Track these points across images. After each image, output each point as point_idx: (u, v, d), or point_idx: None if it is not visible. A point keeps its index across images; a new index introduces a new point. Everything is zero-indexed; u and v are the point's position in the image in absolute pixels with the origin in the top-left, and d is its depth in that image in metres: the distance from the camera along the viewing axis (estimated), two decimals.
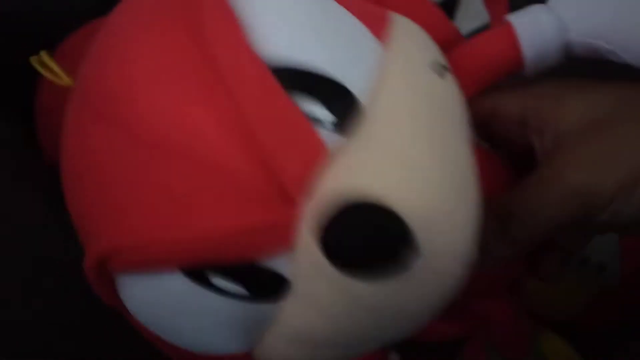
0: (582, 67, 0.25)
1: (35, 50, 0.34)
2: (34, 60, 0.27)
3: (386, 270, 0.17)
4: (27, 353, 0.27)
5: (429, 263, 0.17)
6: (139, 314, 0.21)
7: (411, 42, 0.21)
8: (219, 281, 0.18)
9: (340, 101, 0.18)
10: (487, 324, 0.28)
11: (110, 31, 0.20)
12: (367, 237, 0.16)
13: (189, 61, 0.18)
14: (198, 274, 0.18)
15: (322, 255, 0.17)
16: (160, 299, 0.19)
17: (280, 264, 0.18)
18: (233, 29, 0.18)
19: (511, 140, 0.26)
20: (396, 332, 0.20)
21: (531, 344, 0.30)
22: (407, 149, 0.18)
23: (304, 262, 0.17)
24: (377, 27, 0.21)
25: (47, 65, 0.26)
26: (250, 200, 0.17)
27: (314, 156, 0.17)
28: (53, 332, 0.28)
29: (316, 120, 0.18)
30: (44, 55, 0.26)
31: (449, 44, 0.25)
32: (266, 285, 0.18)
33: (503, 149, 0.27)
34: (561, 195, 0.22)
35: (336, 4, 0.21)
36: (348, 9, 0.21)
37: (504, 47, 0.24)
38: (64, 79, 0.25)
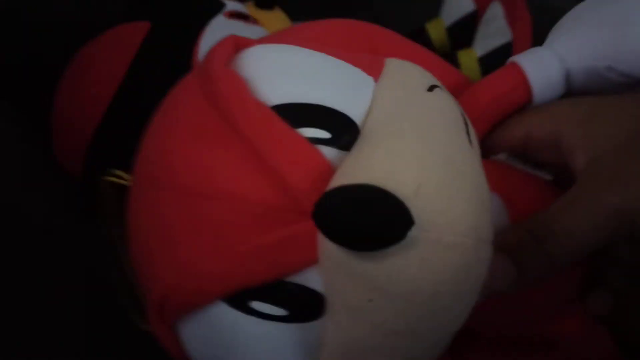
0: None
1: (52, 53, 0.34)
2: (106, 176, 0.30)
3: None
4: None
5: (428, 234, 0.18)
6: (198, 358, 0.23)
7: (401, 74, 0.23)
8: (258, 305, 0.20)
9: (337, 123, 0.21)
10: (561, 346, 0.28)
11: (153, 120, 0.24)
12: (359, 211, 0.17)
13: (210, 122, 0.21)
14: (239, 302, 0.20)
15: (332, 246, 0.18)
16: (212, 334, 0.21)
17: (313, 280, 0.19)
18: (239, 88, 0.21)
19: (548, 162, 0.27)
20: (434, 324, 0.20)
21: None
22: (397, 142, 0.19)
23: (327, 265, 0.19)
24: (371, 69, 0.23)
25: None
26: (272, 221, 0.19)
27: (319, 171, 0.19)
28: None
29: (317, 141, 0.20)
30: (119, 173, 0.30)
31: (458, 88, 0.27)
32: (305, 304, 0.20)
33: (547, 170, 0.28)
34: (597, 215, 0.22)
35: (329, 57, 0.23)
36: (343, 59, 0.23)
37: (515, 84, 0.27)
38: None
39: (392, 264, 0.18)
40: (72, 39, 0.36)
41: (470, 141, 0.21)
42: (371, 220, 0.17)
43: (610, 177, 0.23)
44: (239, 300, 0.20)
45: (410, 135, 0.19)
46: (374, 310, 0.19)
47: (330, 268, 0.19)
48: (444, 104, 0.22)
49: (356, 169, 0.19)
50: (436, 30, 0.44)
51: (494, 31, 0.40)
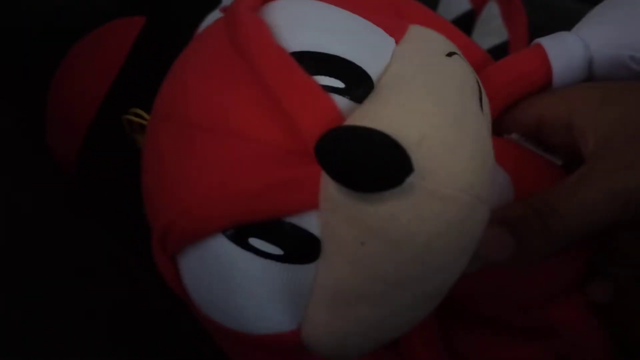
0: None
1: (48, 49, 0.34)
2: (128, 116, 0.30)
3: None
4: None
5: (426, 183, 0.18)
6: (195, 293, 0.23)
7: (423, 39, 0.24)
8: (256, 242, 0.20)
9: (353, 75, 0.21)
10: (555, 331, 0.28)
11: (178, 58, 0.25)
12: (360, 150, 0.18)
13: (229, 62, 0.21)
14: (238, 237, 0.21)
15: (332, 187, 0.19)
16: (210, 267, 0.22)
17: (310, 224, 0.20)
18: (261, 31, 0.21)
19: (560, 145, 0.27)
20: (423, 276, 0.20)
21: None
22: (407, 97, 0.20)
23: (325, 206, 0.19)
24: (394, 31, 0.23)
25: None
26: (279, 162, 0.20)
27: (330, 117, 0.20)
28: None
29: (332, 90, 0.20)
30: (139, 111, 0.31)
31: (478, 64, 0.27)
32: (300, 246, 0.20)
33: (558, 155, 0.28)
34: (605, 195, 0.22)
35: (353, 14, 0.24)
36: (367, 19, 0.24)
37: (536, 65, 0.27)
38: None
39: (387, 209, 0.18)
40: (67, 36, 0.36)
41: (482, 108, 0.22)
42: (371, 160, 0.18)
43: (619, 159, 0.23)
44: (238, 235, 0.21)
45: (422, 91, 0.20)
46: (366, 254, 0.19)
47: (328, 210, 0.19)
48: (460, 69, 0.22)
49: (365, 117, 0.19)
50: None
51: (491, 30, 0.40)
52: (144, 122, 0.30)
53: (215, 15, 0.37)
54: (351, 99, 0.20)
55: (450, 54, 0.23)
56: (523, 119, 0.27)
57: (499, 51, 0.39)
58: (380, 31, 0.23)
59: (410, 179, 0.18)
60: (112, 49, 0.35)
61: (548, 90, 0.27)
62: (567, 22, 0.29)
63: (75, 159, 0.35)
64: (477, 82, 0.23)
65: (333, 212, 0.19)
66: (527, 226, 0.23)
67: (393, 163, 0.18)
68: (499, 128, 0.27)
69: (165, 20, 0.36)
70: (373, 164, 0.18)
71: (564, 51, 0.27)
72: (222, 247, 0.21)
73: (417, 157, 0.18)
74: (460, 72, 0.22)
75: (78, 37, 0.36)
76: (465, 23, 0.43)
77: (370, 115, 0.19)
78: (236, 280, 0.21)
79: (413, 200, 0.18)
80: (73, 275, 0.31)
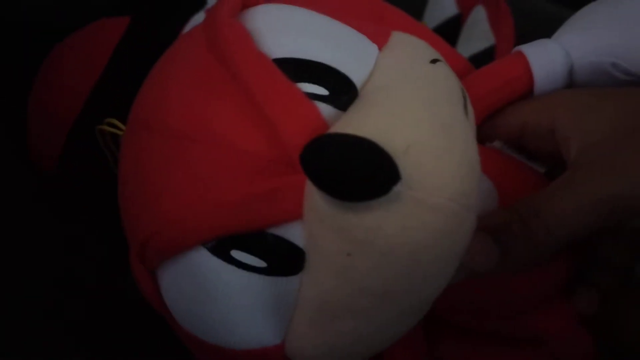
0: None
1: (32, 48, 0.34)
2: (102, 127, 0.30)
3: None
4: None
5: (413, 192, 0.18)
6: (176, 307, 0.23)
7: (406, 45, 0.24)
8: (238, 254, 0.20)
9: (337, 83, 0.21)
10: (542, 340, 0.28)
11: (154, 67, 0.24)
12: (346, 158, 0.17)
13: (210, 69, 0.21)
14: (220, 249, 0.20)
15: (317, 197, 0.18)
16: (191, 281, 0.21)
17: (294, 235, 0.20)
18: (243, 38, 0.21)
19: (543, 152, 0.27)
20: (410, 287, 0.20)
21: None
22: (392, 104, 0.20)
23: (310, 216, 0.19)
24: (377, 38, 0.23)
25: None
26: (262, 171, 0.20)
27: (313, 126, 0.19)
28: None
29: (315, 97, 0.20)
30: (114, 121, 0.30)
31: (461, 72, 0.27)
32: (284, 257, 0.20)
33: (540, 162, 0.28)
34: (586, 201, 0.22)
35: (336, 21, 0.24)
36: (351, 26, 0.24)
37: (517, 73, 0.27)
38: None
39: (373, 218, 0.18)
40: (52, 36, 0.36)
41: (467, 114, 0.21)
42: (357, 168, 0.17)
43: (603, 166, 0.23)
44: (220, 248, 0.20)
45: (407, 99, 0.20)
46: (351, 265, 0.19)
47: (313, 220, 0.19)
48: (445, 76, 0.22)
49: (349, 125, 0.19)
50: None
51: (477, 35, 0.40)
52: (119, 132, 0.29)
53: (200, 17, 0.37)
54: (335, 106, 0.20)
55: (434, 61, 0.23)
56: (506, 126, 0.27)
57: (485, 56, 0.39)
58: (363, 38, 0.23)
59: (397, 188, 0.17)
60: (97, 49, 0.34)
61: (531, 97, 0.27)
62: (550, 27, 0.30)
63: (57, 159, 0.35)
64: (462, 89, 0.23)
65: (318, 223, 0.19)
66: (510, 234, 0.22)
67: (379, 171, 0.17)
68: (481, 136, 0.27)
69: (149, 21, 0.36)
70: (359, 172, 0.17)
71: (545, 58, 0.27)
72: (203, 260, 0.21)
73: (404, 165, 0.18)
74: (445, 78, 0.22)
75: (61, 35, 0.36)
76: (452, 27, 0.43)
77: (355, 123, 0.19)
78: (218, 294, 0.21)
79: (400, 210, 0.18)
80: (50, 274, 0.31)
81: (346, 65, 0.21)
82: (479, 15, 0.41)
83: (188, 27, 0.36)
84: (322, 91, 0.20)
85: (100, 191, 0.35)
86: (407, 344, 0.26)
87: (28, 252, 0.31)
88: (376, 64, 0.22)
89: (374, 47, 0.23)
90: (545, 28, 0.30)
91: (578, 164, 0.24)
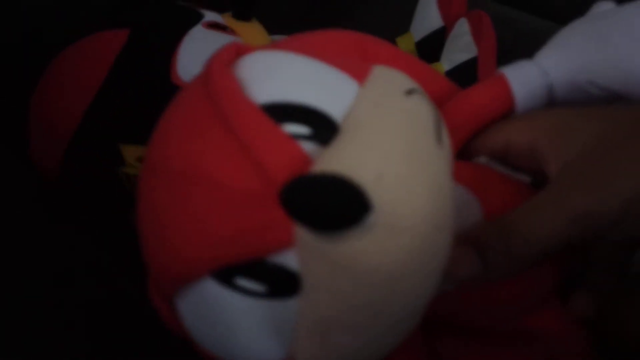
0: None
1: (32, 57, 0.34)
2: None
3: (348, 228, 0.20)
4: None
5: (385, 219, 0.20)
6: (194, 332, 0.24)
7: (384, 79, 0.25)
8: (241, 281, 0.22)
9: (318, 121, 0.22)
10: (539, 339, 0.29)
11: (164, 114, 0.26)
12: (320, 195, 0.20)
13: (205, 115, 0.23)
14: (224, 277, 0.22)
15: (302, 229, 0.20)
16: (203, 309, 0.23)
17: (290, 260, 0.21)
18: (231, 85, 0.23)
19: (527, 169, 0.28)
20: (395, 303, 0.22)
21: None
22: (366, 137, 0.21)
23: (300, 246, 0.21)
24: (358, 74, 0.25)
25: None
26: (253, 206, 0.21)
27: (297, 162, 0.21)
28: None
29: (299, 136, 0.22)
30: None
31: (444, 96, 0.29)
32: (282, 281, 0.21)
33: (526, 175, 0.29)
34: (563, 218, 0.23)
35: (319, 62, 0.25)
36: (333, 65, 0.25)
37: (498, 95, 0.29)
38: None
39: (352, 246, 0.20)
40: (52, 45, 0.36)
41: (440, 140, 0.23)
42: (329, 203, 0.20)
43: (580, 182, 0.24)
44: (225, 277, 0.22)
45: (378, 131, 0.22)
46: (339, 287, 0.21)
47: (302, 249, 0.21)
48: (417, 106, 0.24)
49: (329, 160, 0.21)
50: (406, 44, 0.46)
51: (461, 47, 0.41)
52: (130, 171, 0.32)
53: (197, 30, 0.38)
54: (318, 142, 0.22)
55: (410, 91, 0.24)
56: (491, 144, 0.28)
57: (467, 66, 0.40)
58: (344, 76, 0.25)
59: (370, 216, 0.20)
60: (95, 62, 0.35)
61: (514, 116, 0.29)
62: (531, 39, 0.31)
63: (59, 170, 0.36)
64: (436, 115, 0.24)
65: (307, 251, 0.21)
66: (490, 246, 0.24)
67: (350, 203, 0.20)
68: (468, 153, 0.29)
69: (147, 34, 0.36)
70: (331, 206, 0.20)
71: (524, 80, 0.29)
72: (211, 289, 0.22)
73: (375, 194, 0.20)
74: (417, 109, 0.23)
75: (61, 45, 0.36)
76: (437, 39, 0.45)
77: (334, 158, 0.21)
78: (228, 319, 0.23)
79: (374, 236, 0.20)
80: (48, 279, 0.31)
81: (327, 104, 0.23)
82: (463, 28, 0.42)
83: (185, 40, 0.36)
84: (305, 130, 0.22)
85: (100, 193, 0.36)
86: (406, 345, 0.27)
87: (28, 252, 0.31)
88: (356, 99, 0.23)
89: (354, 84, 0.24)
90: (526, 40, 0.32)
91: (556, 181, 0.25)
